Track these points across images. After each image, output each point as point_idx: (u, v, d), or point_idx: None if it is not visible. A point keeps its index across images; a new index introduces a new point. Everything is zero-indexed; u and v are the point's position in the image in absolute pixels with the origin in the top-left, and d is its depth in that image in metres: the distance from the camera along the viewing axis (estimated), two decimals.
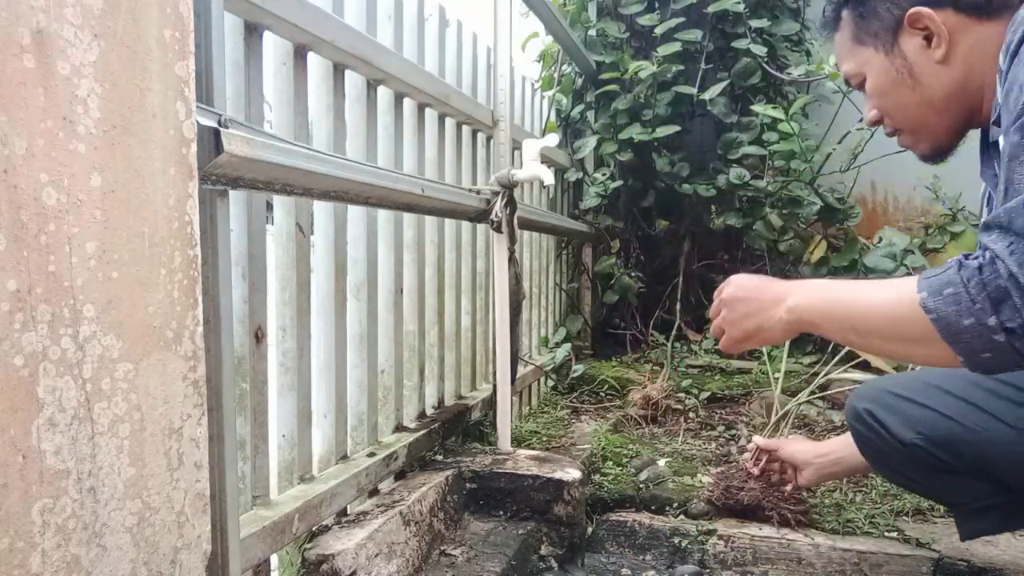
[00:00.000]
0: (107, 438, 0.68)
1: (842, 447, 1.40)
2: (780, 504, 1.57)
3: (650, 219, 3.16)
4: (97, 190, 0.66)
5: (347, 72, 1.36)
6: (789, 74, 2.85)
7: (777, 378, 2.04)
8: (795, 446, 1.51)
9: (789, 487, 1.55)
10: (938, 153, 1.11)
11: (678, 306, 3.00)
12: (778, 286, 1.08)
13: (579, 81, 3.12)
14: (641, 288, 3.05)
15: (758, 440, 1.60)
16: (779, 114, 2.74)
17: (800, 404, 1.87)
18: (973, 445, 1.08)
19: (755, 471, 1.58)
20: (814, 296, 1.00)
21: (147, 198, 0.72)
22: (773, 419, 1.85)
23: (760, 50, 2.86)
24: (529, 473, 1.58)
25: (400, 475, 1.55)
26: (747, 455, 1.63)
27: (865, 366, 2.26)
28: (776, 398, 1.94)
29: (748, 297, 1.09)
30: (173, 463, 0.76)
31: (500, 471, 1.59)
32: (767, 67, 2.90)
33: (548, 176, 1.71)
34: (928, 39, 1.04)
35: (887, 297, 0.91)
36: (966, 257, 0.85)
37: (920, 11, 1.03)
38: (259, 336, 1.11)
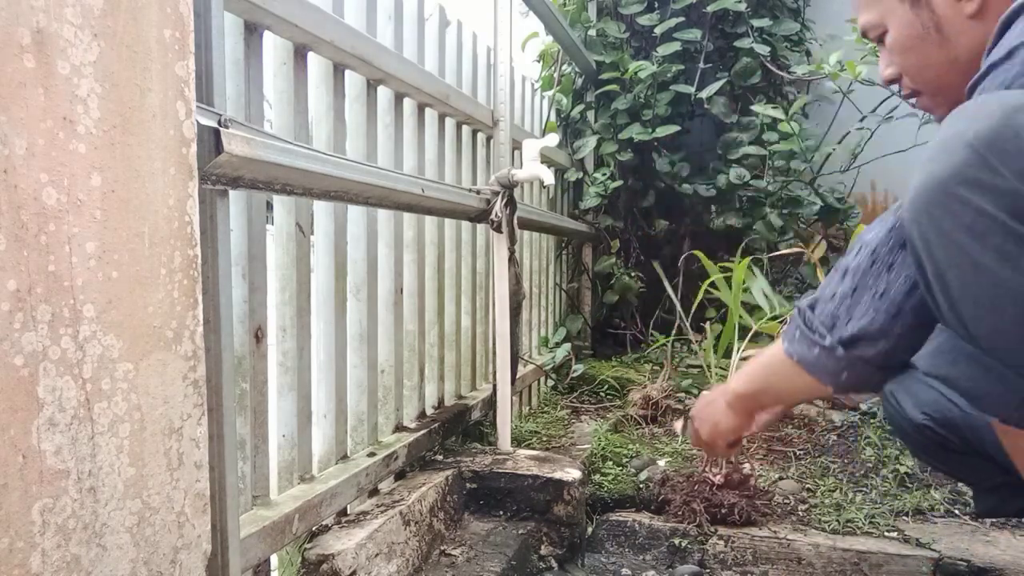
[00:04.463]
0: (107, 438, 0.68)
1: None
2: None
3: (650, 219, 3.16)
4: (97, 190, 0.66)
5: (347, 72, 1.36)
6: (793, 72, 2.85)
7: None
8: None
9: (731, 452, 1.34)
10: None
11: (678, 306, 3.00)
12: (722, 386, 1.24)
13: (579, 81, 3.12)
14: (641, 288, 3.05)
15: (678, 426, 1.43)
16: (779, 114, 2.74)
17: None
18: (969, 428, 1.06)
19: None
20: (740, 376, 1.17)
21: (147, 198, 0.72)
22: None
23: (763, 49, 2.86)
24: (529, 473, 1.58)
25: (400, 475, 1.55)
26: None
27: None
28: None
29: (703, 405, 1.26)
30: (173, 463, 0.76)
31: (500, 471, 1.59)
32: (770, 66, 2.90)
33: (548, 176, 1.71)
34: None
35: (774, 356, 1.08)
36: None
37: None
38: (259, 336, 1.11)
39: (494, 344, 1.85)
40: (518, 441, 1.98)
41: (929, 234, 0.78)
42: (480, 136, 2.05)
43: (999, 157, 0.73)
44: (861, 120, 2.77)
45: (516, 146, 2.19)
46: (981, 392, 0.81)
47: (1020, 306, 0.73)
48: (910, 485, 1.70)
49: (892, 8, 1.03)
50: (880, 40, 1.08)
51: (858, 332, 0.99)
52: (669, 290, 2.46)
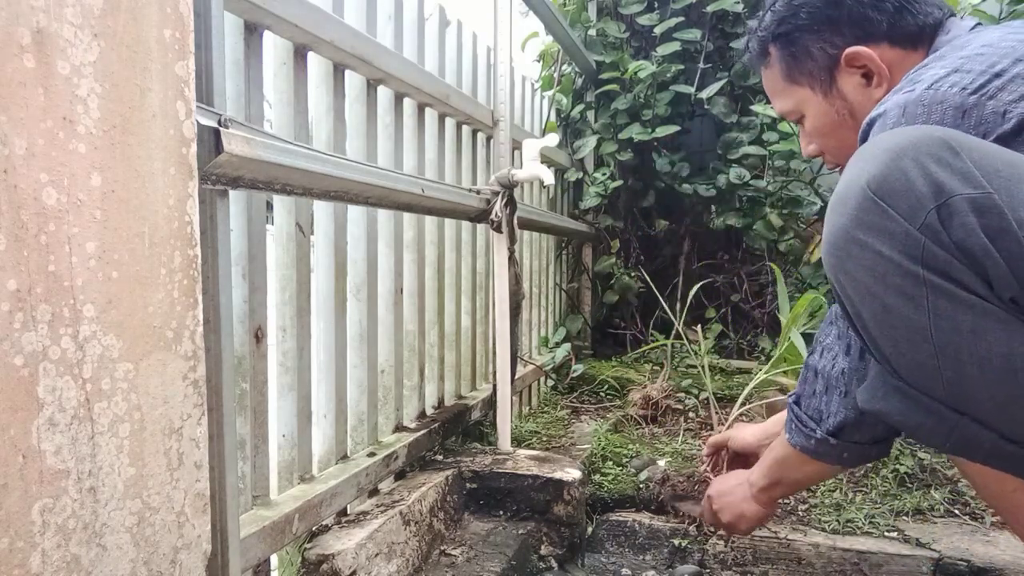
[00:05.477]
0: (107, 438, 0.68)
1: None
2: None
3: (650, 219, 3.16)
4: (97, 190, 0.66)
5: (347, 72, 1.36)
6: None
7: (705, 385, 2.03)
8: (742, 434, 1.42)
9: None
10: None
11: (678, 306, 3.00)
12: (743, 473, 1.32)
13: (579, 81, 3.12)
14: (641, 288, 3.06)
15: (708, 446, 1.54)
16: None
17: (742, 409, 1.87)
18: None
19: (712, 475, 1.49)
20: (759, 471, 1.25)
21: (147, 198, 0.72)
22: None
23: None
24: (529, 473, 1.58)
25: (400, 475, 1.55)
26: (704, 453, 1.56)
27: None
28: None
29: (724, 492, 1.33)
30: (173, 463, 0.76)
31: (500, 471, 1.59)
32: None
33: (548, 176, 1.71)
34: (867, 76, 1.01)
35: (783, 447, 1.16)
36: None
37: (859, 51, 0.99)
38: (259, 336, 1.11)
39: (494, 344, 1.85)
40: (518, 441, 1.98)
41: (841, 278, 0.82)
42: (480, 136, 2.05)
43: (889, 200, 0.75)
44: None
45: (516, 146, 2.19)
46: (913, 425, 0.83)
47: (932, 343, 0.75)
48: (910, 485, 1.70)
49: (806, 98, 1.08)
50: (799, 122, 1.14)
51: (839, 424, 1.07)
52: (660, 297, 2.46)
